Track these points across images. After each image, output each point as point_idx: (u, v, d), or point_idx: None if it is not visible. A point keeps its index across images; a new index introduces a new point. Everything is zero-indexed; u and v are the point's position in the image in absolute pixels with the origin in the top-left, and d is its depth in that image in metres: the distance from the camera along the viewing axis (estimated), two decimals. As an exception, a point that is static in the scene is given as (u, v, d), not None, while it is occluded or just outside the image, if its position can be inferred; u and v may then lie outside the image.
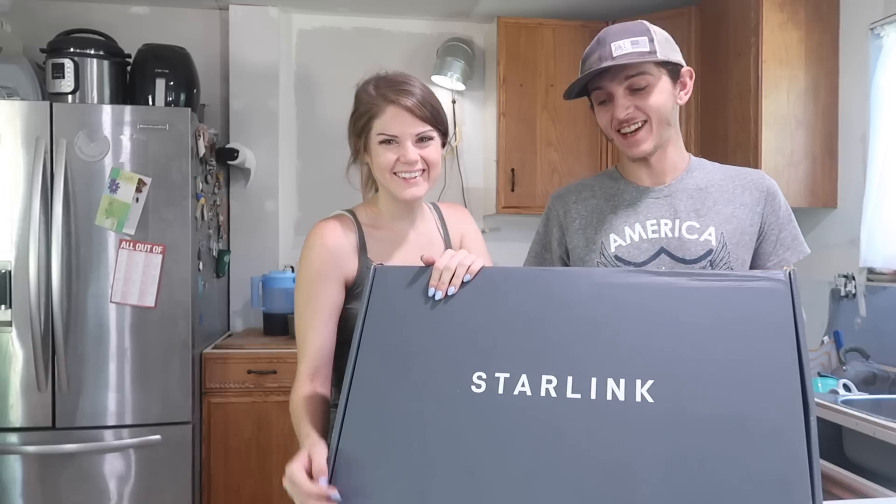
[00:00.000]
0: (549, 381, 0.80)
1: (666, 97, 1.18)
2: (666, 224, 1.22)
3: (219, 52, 3.24)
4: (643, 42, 1.15)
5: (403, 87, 1.20)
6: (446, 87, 3.35)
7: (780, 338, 0.75)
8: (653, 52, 1.15)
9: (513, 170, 3.10)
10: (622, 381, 0.78)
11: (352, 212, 1.29)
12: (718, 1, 2.77)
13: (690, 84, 1.24)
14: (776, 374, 0.73)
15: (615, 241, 1.25)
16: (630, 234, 1.24)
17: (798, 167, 2.53)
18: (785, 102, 2.52)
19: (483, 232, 3.50)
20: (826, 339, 2.45)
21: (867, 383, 2.08)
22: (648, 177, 1.26)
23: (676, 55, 1.20)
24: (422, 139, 1.19)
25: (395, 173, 1.19)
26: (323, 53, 3.36)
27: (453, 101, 3.39)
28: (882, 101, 2.31)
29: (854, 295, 2.43)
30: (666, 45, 1.18)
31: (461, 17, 3.37)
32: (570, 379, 0.79)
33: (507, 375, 0.82)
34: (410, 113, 1.17)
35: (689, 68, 1.23)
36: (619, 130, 1.20)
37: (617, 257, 1.24)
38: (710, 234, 1.20)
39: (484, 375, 0.83)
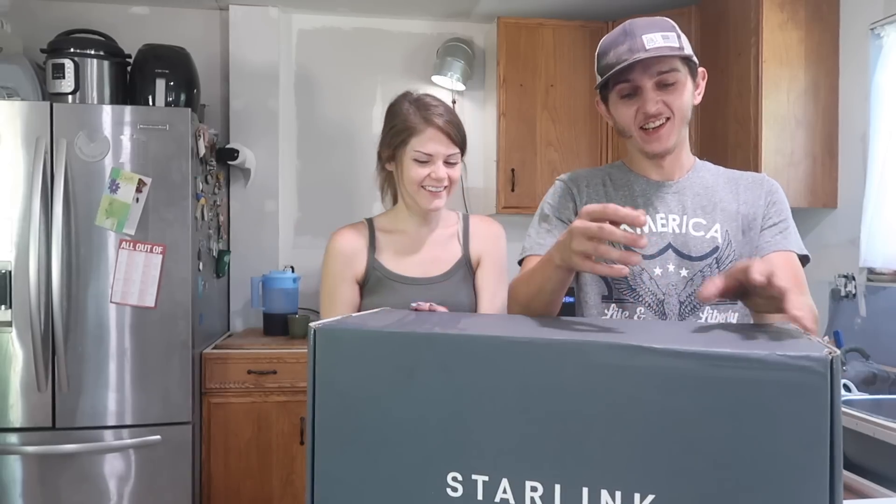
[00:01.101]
0: (534, 489, 0.69)
1: (689, 96, 1.18)
2: (674, 219, 1.22)
3: (219, 52, 3.24)
4: (672, 38, 1.13)
5: (439, 110, 1.35)
6: (446, 87, 3.35)
7: (809, 454, 0.62)
8: (682, 48, 1.14)
9: (513, 170, 3.10)
10: (618, 494, 0.66)
11: (370, 219, 1.46)
12: (718, 1, 2.77)
13: (703, 85, 1.23)
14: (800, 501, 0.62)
15: (625, 229, 1.25)
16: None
17: (798, 167, 2.53)
18: (785, 102, 2.52)
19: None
20: (826, 339, 2.45)
21: (867, 383, 2.08)
22: (657, 174, 1.26)
23: (693, 53, 1.19)
24: (450, 161, 1.35)
25: (422, 186, 1.34)
26: (323, 53, 3.36)
27: (453, 101, 3.39)
28: (882, 101, 2.31)
29: (854, 295, 2.43)
30: (688, 44, 1.17)
31: (461, 17, 3.37)
32: (557, 487, 0.68)
33: (486, 479, 0.70)
34: (447, 136, 1.34)
35: (703, 69, 1.23)
36: (641, 126, 1.18)
37: (626, 246, 1.24)
38: (716, 232, 1.20)
39: (460, 477, 0.71)
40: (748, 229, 1.22)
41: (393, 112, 1.40)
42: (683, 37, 1.16)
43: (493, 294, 1.43)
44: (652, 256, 1.21)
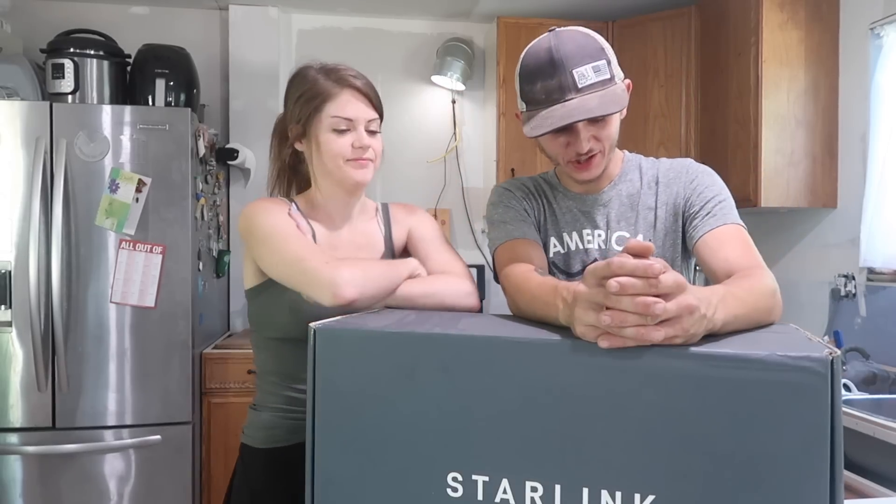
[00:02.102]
0: (534, 489, 0.69)
1: (618, 122, 1.15)
2: (599, 235, 1.20)
3: (219, 52, 3.24)
4: (603, 67, 1.07)
5: (351, 72, 1.18)
6: (446, 87, 3.35)
7: (810, 454, 0.61)
8: (612, 78, 1.08)
9: (513, 170, 3.10)
10: (618, 495, 0.66)
11: (292, 199, 1.26)
12: (718, 1, 2.77)
13: (627, 95, 1.15)
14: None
15: (555, 246, 1.23)
16: (568, 241, 1.22)
17: (798, 167, 2.53)
18: (785, 102, 2.51)
19: (483, 232, 3.51)
20: (826, 339, 2.45)
21: (867, 383, 2.08)
22: (584, 187, 1.23)
23: (619, 69, 1.13)
24: (371, 130, 1.18)
25: (347, 160, 1.16)
26: (323, 53, 3.32)
27: (453, 101, 3.39)
28: (882, 101, 2.31)
29: (854, 295, 2.43)
30: (615, 62, 1.11)
31: (461, 17, 3.37)
32: (558, 488, 0.68)
33: (487, 479, 0.70)
34: (366, 98, 1.17)
35: (628, 80, 1.16)
36: (571, 160, 1.14)
37: (553, 263, 1.22)
38: None
39: (460, 477, 0.71)
40: (673, 230, 1.18)
41: (298, 81, 1.20)
42: (613, 59, 1.10)
43: (446, 262, 1.22)
44: (578, 273, 1.18)
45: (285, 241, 1.11)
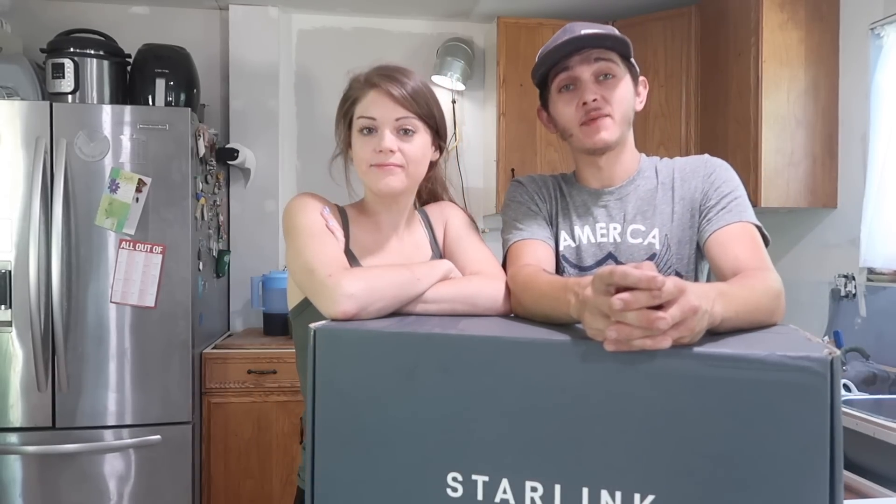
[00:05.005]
0: (534, 489, 0.69)
1: (629, 94, 1.16)
2: (615, 228, 1.20)
3: (219, 52, 3.25)
4: (611, 31, 1.14)
5: (394, 74, 1.09)
6: (446, 87, 3.35)
7: (810, 454, 0.61)
8: (622, 39, 1.13)
9: (513, 170, 3.10)
10: (618, 494, 0.66)
11: (341, 207, 1.22)
12: (718, 1, 2.77)
13: (645, 94, 1.21)
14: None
15: (565, 240, 1.22)
16: (580, 235, 1.21)
17: (798, 167, 2.53)
18: (785, 102, 2.52)
19: (483, 232, 3.50)
20: (826, 339, 2.45)
21: (867, 383, 2.08)
22: (598, 180, 1.23)
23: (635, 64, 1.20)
24: (404, 131, 1.08)
25: (371, 165, 1.09)
26: (323, 53, 3.36)
27: (453, 101, 3.39)
28: (882, 101, 2.31)
29: (854, 295, 2.43)
30: (630, 51, 1.16)
31: (461, 17, 3.37)
32: (558, 488, 0.68)
33: (487, 479, 0.70)
34: (392, 98, 1.06)
35: (644, 78, 1.21)
36: (581, 122, 1.15)
37: (564, 257, 1.22)
38: (654, 237, 1.17)
39: (460, 477, 0.71)
40: (689, 226, 1.17)
41: (348, 85, 1.15)
42: (628, 41, 1.15)
43: (479, 260, 1.15)
44: (590, 268, 1.19)
45: (304, 244, 1.03)
